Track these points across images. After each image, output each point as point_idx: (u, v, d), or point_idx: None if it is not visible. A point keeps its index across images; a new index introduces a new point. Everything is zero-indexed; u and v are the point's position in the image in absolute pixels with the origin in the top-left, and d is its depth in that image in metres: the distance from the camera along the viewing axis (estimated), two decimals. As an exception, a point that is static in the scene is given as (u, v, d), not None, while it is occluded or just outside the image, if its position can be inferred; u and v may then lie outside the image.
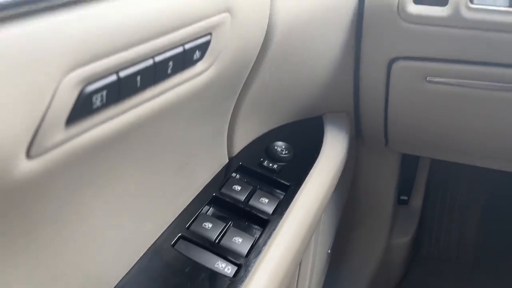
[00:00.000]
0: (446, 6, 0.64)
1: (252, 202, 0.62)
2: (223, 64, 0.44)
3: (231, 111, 0.61)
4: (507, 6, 0.62)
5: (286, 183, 0.67)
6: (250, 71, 0.55)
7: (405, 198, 1.25)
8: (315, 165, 0.72)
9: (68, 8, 0.27)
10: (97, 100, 0.29)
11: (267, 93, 0.65)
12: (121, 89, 0.31)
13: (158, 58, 0.34)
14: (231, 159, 0.69)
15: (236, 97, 0.58)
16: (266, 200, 0.63)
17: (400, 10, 0.66)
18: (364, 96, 0.81)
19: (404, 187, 1.22)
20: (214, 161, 0.65)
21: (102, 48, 0.29)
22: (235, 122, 0.65)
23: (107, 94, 0.30)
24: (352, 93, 0.82)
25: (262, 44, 0.53)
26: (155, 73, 0.34)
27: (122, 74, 0.31)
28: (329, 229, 0.94)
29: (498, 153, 0.87)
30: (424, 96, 0.76)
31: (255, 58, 0.54)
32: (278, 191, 0.67)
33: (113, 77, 0.30)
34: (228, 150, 0.68)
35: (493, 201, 1.32)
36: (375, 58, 0.73)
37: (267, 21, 0.51)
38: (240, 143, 0.70)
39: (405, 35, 0.68)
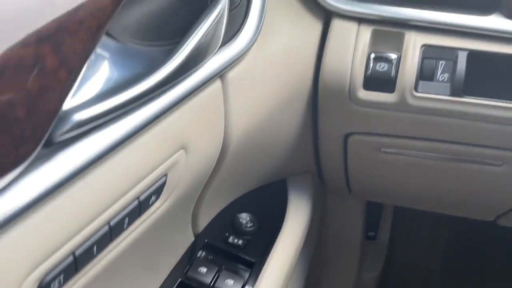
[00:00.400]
0: (393, 93, 0.68)
1: (218, 285, 0.66)
2: (178, 194, 0.47)
3: (194, 205, 0.64)
4: (448, 95, 0.66)
5: (252, 259, 0.70)
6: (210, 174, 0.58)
7: (373, 234, 1.29)
8: (279, 237, 0.76)
9: (22, 220, 0.29)
10: (55, 285, 0.32)
11: (230, 178, 0.68)
12: (78, 265, 0.34)
13: (113, 222, 0.37)
14: (197, 236, 0.72)
15: (196, 198, 0.61)
16: (232, 282, 0.67)
17: (351, 95, 0.70)
18: (324, 162, 0.85)
19: (371, 223, 1.27)
20: (180, 244, 0.68)
21: (57, 243, 0.31)
22: (200, 205, 0.68)
23: (64, 276, 0.33)
24: (313, 159, 0.86)
25: (219, 155, 0.56)
26: (111, 236, 0.37)
27: (78, 252, 0.33)
28: (298, 281, 0.98)
29: (450, 204, 0.92)
30: (380, 163, 0.81)
31: (210, 172, 0.57)
32: (243, 267, 0.70)
33: (69, 259, 0.33)
34: (193, 228, 0.71)
35: (457, 233, 1.38)
36: (331, 133, 0.77)
37: (222, 142, 0.54)
38: (205, 220, 0.73)
39: (357, 116, 0.72)
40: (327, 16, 0.72)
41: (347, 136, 0.77)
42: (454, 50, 0.66)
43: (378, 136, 0.76)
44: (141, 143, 0.40)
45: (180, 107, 0.45)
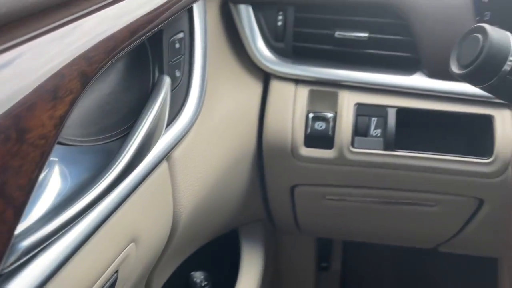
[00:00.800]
0: (333, 149, 0.72)
1: None
2: (130, 283, 0.47)
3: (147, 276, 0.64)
4: (382, 149, 0.71)
5: None
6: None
7: (325, 264, 1.34)
8: None
9: None
10: None
11: (183, 244, 0.69)
12: None
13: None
14: None
15: (149, 272, 0.62)
16: None
17: (294, 153, 0.73)
18: (274, 211, 0.88)
19: (323, 254, 1.31)
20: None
21: None
22: (153, 272, 0.68)
23: None
24: (263, 208, 0.88)
25: (170, 234, 0.57)
26: None
27: None
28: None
29: (393, 237, 0.98)
30: (326, 208, 0.85)
31: (161, 251, 0.58)
32: None
33: None
34: None
35: (404, 256, 1.45)
36: (278, 186, 0.80)
37: (171, 223, 0.55)
38: (159, 283, 0.73)
39: (300, 170, 0.75)
40: (266, 78, 0.76)
41: (293, 188, 0.81)
42: (384, 108, 0.71)
43: (322, 186, 0.80)
44: (90, 247, 0.40)
45: (128, 199, 0.46)
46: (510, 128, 0.69)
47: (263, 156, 0.75)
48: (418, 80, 0.71)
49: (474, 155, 0.70)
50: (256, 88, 0.75)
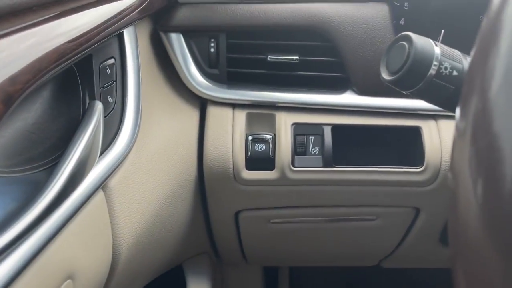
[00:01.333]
0: (274, 170, 0.72)
1: None
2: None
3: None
4: (321, 166, 0.73)
5: None
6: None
7: (273, 296, 1.31)
8: None
9: None
10: None
11: (125, 282, 0.65)
12: None
13: None
14: None
15: None
16: None
17: (236, 176, 0.72)
18: (219, 241, 0.85)
19: (271, 284, 1.29)
20: None
21: None
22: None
23: None
24: (208, 239, 0.86)
25: (110, 268, 0.53)
26: None
27: None
28: None
29: (337, 257, 0.99)
30: (271, 233, 0.84)
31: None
32: None
33: None
34: None
35: (352, 275, 1.47)
36: (222, 213, 0.78)
37: (111, 256, 0.52)
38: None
39: (244, 194, 0.74)
40: (203, 104, 0.75)
41: (237, 213, 0.79)
42: (319, 126, 0.73)
43: (266, 209, 0.79)
44: (21, 285, 0.36)
45: (62, 232, 0.42)
46: (437, 137, 0.73)
47: (205, 183, 0.73)
48: (349, 98, 0.74)
49: (408, 165, 0.73)
50: (193, 114, 0.74)
